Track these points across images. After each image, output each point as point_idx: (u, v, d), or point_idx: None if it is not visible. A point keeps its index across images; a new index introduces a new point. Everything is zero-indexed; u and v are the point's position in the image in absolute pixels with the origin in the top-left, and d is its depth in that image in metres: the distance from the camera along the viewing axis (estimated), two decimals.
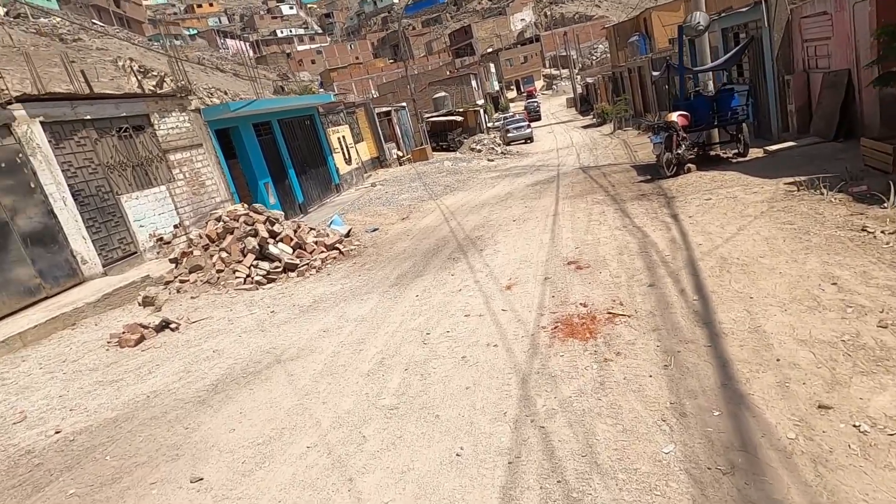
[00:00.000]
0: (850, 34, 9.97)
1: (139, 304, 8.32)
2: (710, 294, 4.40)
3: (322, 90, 52.26)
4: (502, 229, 8.82)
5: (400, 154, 26.70)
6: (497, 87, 61.10)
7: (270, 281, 8.51)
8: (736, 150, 11.51)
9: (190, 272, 8.68)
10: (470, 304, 5.50)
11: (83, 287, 9.15)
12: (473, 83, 44.75)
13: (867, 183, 6.30)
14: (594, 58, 62.86)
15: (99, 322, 7.86)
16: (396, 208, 13.88)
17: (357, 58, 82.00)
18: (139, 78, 19.87)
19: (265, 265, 8.66)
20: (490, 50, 75.42)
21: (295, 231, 9.64)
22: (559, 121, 41.74)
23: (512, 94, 69.54)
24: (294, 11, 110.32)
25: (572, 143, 25.25)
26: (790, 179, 7.48)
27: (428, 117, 32.04)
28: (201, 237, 9.22)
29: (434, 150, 28.93)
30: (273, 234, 9.28)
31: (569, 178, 13.50)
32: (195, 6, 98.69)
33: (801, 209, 5.99)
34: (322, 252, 9.36)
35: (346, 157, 21.75)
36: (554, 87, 69.14)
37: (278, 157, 16.59)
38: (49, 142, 9.30)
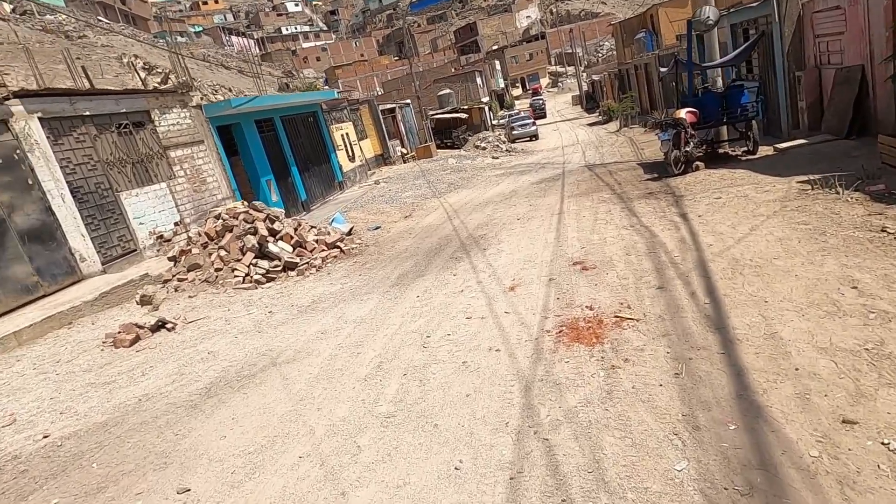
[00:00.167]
0: (865, 29, 9.71)
1: (137, 303, 8.20)
2: (723, 297, 4.21)
3: (327, 87, 52.12)
4: (506, 228, 8.63)
5: (404, 151, 26.52)
6: (502, 85, 60.79)
7: (270, 280, 8.36)
8: (745, 148, 11.26)
9: (188, 271, 8.55)
10: (472, 306, 5.32)
11: (81, 285, 9.04)
12: (478, 80, 44.50)
13: (885, 181, 6.08)
14: (600, 55, 62.43)
15: (96, 321, 7.74)
16: (399, 206, 13.71)
17: (362, 55, 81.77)
18: (141, 76, 19.78)
19: (264, 264, 8.51)
20: (495, 47, 75.02)
21: (295, 229, 9.48)
22: (564, 118, 41.42)
23: (517, 91, 69.16)
24: (299, 8, 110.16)
25: (578, 141, 24.98)
26: (803, 178, 7.25)
27: (432, 115, 31.84)
28: (200, 235, 9.09)
29: (438, 147, 28.74)
30: (273, 233, 9.13)
31: (574, 175, 13.28)
32: (200, 3, 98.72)
33: (816, 209, 5.77)
34: (323, 251, 9.21)
35: (350, 154, 21.60)
36: (559, 84, 68.73)
37: (281, 154, 16.44)
38: (47, 138, 9.18)
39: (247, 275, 8.31)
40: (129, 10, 62.67)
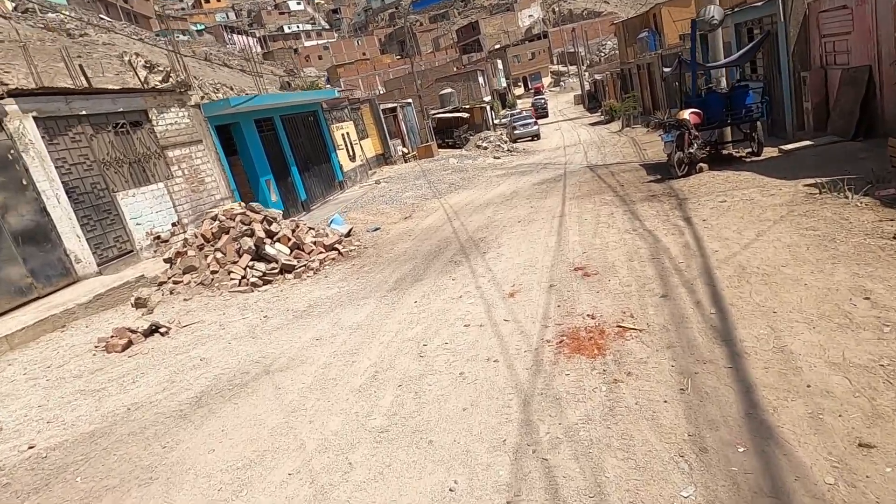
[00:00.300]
0: (872, 29, 9.55)
1: (132, 306, 8.08)
2: (729, 307, 4.06)
3: (329, 86, 51.99)
4: (506, 231, 8.49)
5: (405, 151, 26.38)
6: (504, 84, 60.59)
7: (266, 283, 8.24)
8: (749, 149, 11.11)
9: (184, 273, 8.43)
10: (470, 313, 5.19)
11: (76, 287, 8.93)
12: (480, 80, 44.33)
13: None
14: (602, 54, 62.20)
15: (90, 324, 7.62)
16: (399, 207, 13.58)
17: (364, 54, 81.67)
18: (139, 74, 19.65)
19: (261, 266, 8.38)
20: (497, 46, 74.81)
21: (293, 231, 9.36)
22: (566, 118, 41.24)
23: (519, 90, 68.96)
24: (301, 7, 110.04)
25: (580, 141, 24.82)
26: (810, 181, 7.09)
27: (434, 114, 31.69)
28: (196, 237, 8.96)
29: (440, 147, 28.60)
30: (270, 234, 9.00)
31: (576, 176, 13.13)
32: (203, 1, 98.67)
33: (824, 214, 5.62)
34: (320, 253, 9.08)
35: (351, 153, 21.47)
36: (561, 83, 68.52)
37: (280, 153, 16.32)
38: (42, 137, 9.07)
39: (243, 277, 8.19)
40: (131, 7, 62.61)
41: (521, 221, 8.97)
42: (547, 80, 71.21)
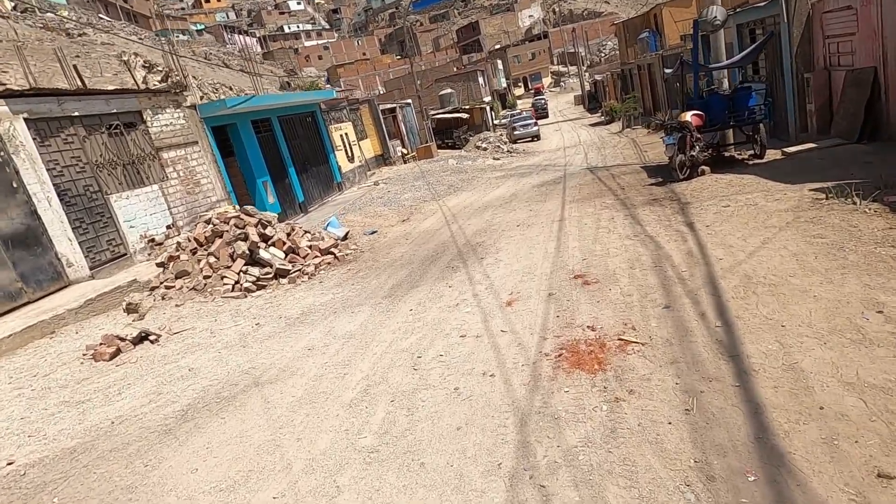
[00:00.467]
0: (878, 30, 9.39)
1: (124, 311, 7.93)
2: (735, 320, 3.90)
3: (328, 86, 51.84)
4: (505, 235, 8.33)
5: (404, 152, 26.22)
6: (504, 84, 60.43)
7: (260, 288, 8.08)
8: (752, 152, 10.95)
9: (176, 278, 8.27)
10: (467, 323, 5.03)
11: (67, 291, 8.77)
12: (480, 80, 44.17)
13: None
14: (603, 55, 62.05)
15: (80, 330, 7.47)
16: (397, 209, 13.42)
17: (364, 54, 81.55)
18: (141, 74, 19.47)
19: (255, 271, 8.22)
20: (498, 46, 74.65)
21: (288, 234, 9.20)
22: (567, 118, 41.08)
23: (519, 91, 68.80)
24: (301, 7, 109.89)
25: (580, 142, 24.66)
26: (816, 185, 6.93)
27: (433, 114, 31.52)
28: (189, 240, 8.80)
29: (439, 147, 28.44)
30: (265, 238, 8.84)
31: (576, 179, 12.97)
32: (203, 1, 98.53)
33: (831, 220, 5.46)
34: (316, 257, 8.92)
35: (349, 154, 21.31)
36: (562, 84, 68.35)
37: (278, 155, 16.16)
38: (33, 139, 8.91)
39: (236, 282, 8.03)
40: (130, 7, 62.48)
41: (520, 225, 8.82)
42: (547, 81, 71.05)
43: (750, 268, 4.77)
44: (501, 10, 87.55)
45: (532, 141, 30.15)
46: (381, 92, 46.94)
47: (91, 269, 9.40)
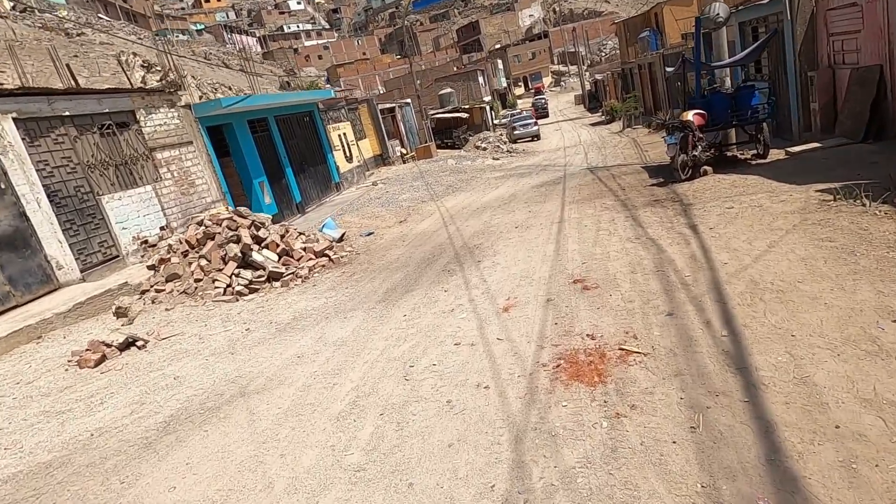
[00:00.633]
0: (883, 27, 9.20)
1: (114, 315, 7.75)
2: (742, 329, 3.71)
3: (328, 86, 51.67)
4: (503, 237, 8.14)
5: (404, 152, 26.03)
6: (504, 84, 60.23)
7: (252, 291, 7.89)
8: (755, 151, 10.76)
9: (167, 281, 8.09)
10: (462, 330, 4.84)
11: (56, 294, 8.59)
12: (480, 80, 43.98)
13: None
14: (603, 54, 61.85)
15: (68, 335, 7.29)
16: (395, 210, 13.24)
17: (364, 53, 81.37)
18: (137, 74, 19.33)
19: (248, 274, 8.04)
20: (498, 46, 74.46)
21: (282, 236, 9.02)
22: (567, 118, 40.88)
23: (520, 90, 68.61)
24: (301, 7, 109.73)
25: (580, 142, 24.47)
26: (822, 186, 6.73)
27: (433, 114, 31.33)
28: (181, 242, 8.62)
29: (439, 147, 28.25)
30: (258, 240, 8.66)
31: (576, 179, 12.78)
32: (203, 1, 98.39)
33: (840, 223, 5.26)
34: (310, 259, 8.74)
35: (347, 154, 21.12)
36: (562, 83, 68.15)
37: (275, 155, 15.97)
38: (23, 139, 8.72)
39: (228, 286, 7.85)
40: (130, 7, 62.30)
41: (519, 227, 8.63)
42: (547, 80, 70.84)
43: (756, 273, 4.58)
44: (501, 10, 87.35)
45: (532, 141, 29.97)
46: (381, 92, 46.77)
47: (82, 271, 9.21)
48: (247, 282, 7.91)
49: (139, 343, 6.32)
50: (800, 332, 3.52)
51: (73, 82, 12.59)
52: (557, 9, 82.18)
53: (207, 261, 8.13)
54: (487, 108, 37.48)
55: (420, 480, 2.91)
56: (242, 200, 14.17)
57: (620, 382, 3.40)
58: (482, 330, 4.71)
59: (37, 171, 8.81)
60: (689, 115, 9.83)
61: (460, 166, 20.91)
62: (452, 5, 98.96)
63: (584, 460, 2.77)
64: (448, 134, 30.97)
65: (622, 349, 3.80)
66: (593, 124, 32.66)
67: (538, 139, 29.98)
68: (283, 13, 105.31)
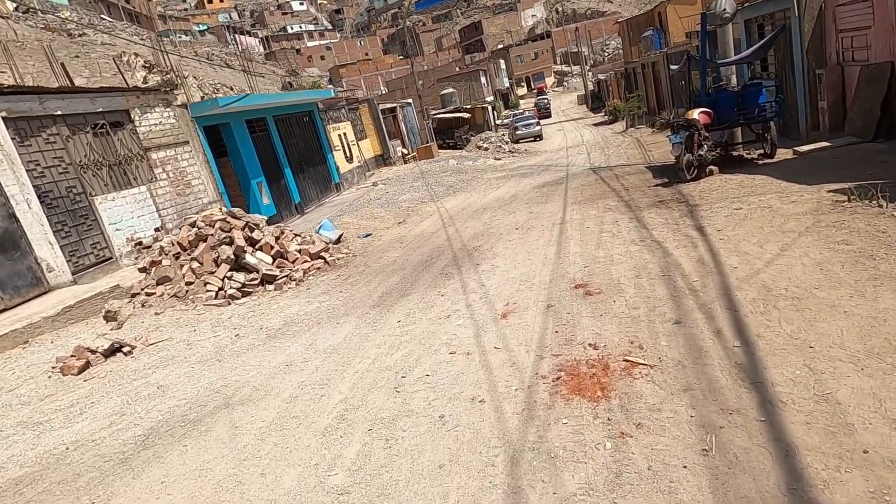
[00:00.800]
0: (895, 23, 8.94)
1: (104, 319, 7.55)
2: (756, 339, 3.47)
3: (331, 86, 51.52)
4: (503, 239, 7.90)
5: (405, 152, 25.82)
6: (507, 84, 59.99)
7: (245, 294, 7.68)
8: (762, 151, 10.51)
9: (157, 284, 7.88)
10: (457, 337, 4.61)
11: (46, 298, 8.39)
12: (483, 80, 43.75)
13: None
14: (606, 54, 61.52)
15: (56, 339, 7.09)
16: (394, 210, 13.01)
17: (367, 54, 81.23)
18: (125, 74, 19.16)
19: (240, 277, 7.83)
20: (500, 46, 74.23)
21: (277, 238, 8.80)
22: (570, 118, 40.61)
23: (522, 90, 68.37)
24: (304, 7, 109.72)
25: (583, 142, 24.21)
26: (835, 186, 6.48)
27: (434, 114, 31.11)
28: (173, 244, 8.42)
29: (440, 147, 28.03)
30: (252, 242, 8.45)
31: (578, 179, 12.53)
32: (206, 2, 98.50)
33: (857, 225, 5.00)
34: (305, 262, 8.51)
35: (348, 155, 20.92)
36: (565, 83, 67.87)
37: (273, 155, 15.77)
38: (12, 139, 8.54)
39: (220, 289, 7.63)
40: (132, 8, 62.31)
41: (519, 229, 8.38)
42: (550, 80, 70.56)
43: (769, 278, 4.33)
44: (504, 10, 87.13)
45: (534, 141, 29.74)
46: (384, 92, 46.60)
47: (73, 273, 9.02)
48: (239, 285, 7.69)
49: (125, 349, 6.10)
50: (818, 343, 3.28)
51: (67, 81, 12.42)
52: (560, 9, 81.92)
53: (199, 263, 7.92)
54: (489, 108, 37.26)
55: None
56: (240, 201, 13.97)
57: (625, 397, 3.15)
58: (479, 338, 4.47)
59: (27, 171, 8.62)
60: (695, 114, 9.58)
61: (461, 166, 20.68)
62: (455, 6, 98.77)
63: (585, 486, 2.53)
64: (450, 134, 30.77)
65: (627, 360, 3.56)
66: (596, 124, 32.39)
67: (540, 139, 29.74)
68: (285, 14, 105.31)
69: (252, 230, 8.66)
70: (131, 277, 8.92)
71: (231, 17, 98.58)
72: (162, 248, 8.57)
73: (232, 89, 32.15)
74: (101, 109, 10.31)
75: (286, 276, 7.97)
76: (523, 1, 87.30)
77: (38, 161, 8.90)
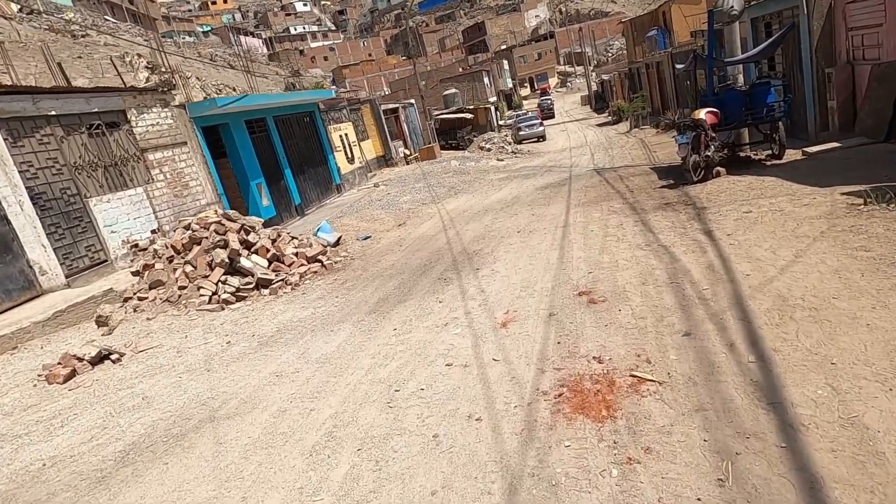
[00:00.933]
0: None
1: (96, 324, 7.38)
2: (772, 354, 3.24)
3: (333, 87, 51.40)
4: (504, 243, 7.68)
5: (407, 153, 25.63)
6: (510, 85, 59.75)
7: (240, 299, 7.48)
8: (769, 152, 10.25)
9: (150, 288, 7.70)
10: (455, 348, 4.39)
11: (38, 301, 8.22)
12: (486, 80, 43.53)
13: None
14: (610, 54, 61.23)
15: (46, 345, 6.92)
16: (395, 212, 12.81)
17: (370, 55, 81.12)
18: (122, 74, 19.05)
19: (235, 281, 7.63)
20: (504, 47, 74.01)
21: (273, 241, 8.61)
22: (573, 119, 40.34)
23: (525, 91, 68.11)
24: (308, 8, 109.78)
25: (586, 142, 23.96)
26: (847, 188, 6.23)
27: (437, 115, 30.92)
28: (166, 247, 8.23)
29: (443, 148, 27.83)
30: (248, 245, 8.25)
31: (582, 180, 12.30)
32: (209, 3, 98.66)
33: (875, 230, 4.76)
34: (302, 265, 8.32)
35: (349, 155, 20.73)
36: (568, 84, 67.58)
37: (273, 156, 15.60)
38: (4, 140, 8.38)
39: (214, 293, 7.44)
40: (136, 9, 62.37)
41: (521, 231, 8.16)
42: (553, 81, 70.27)
43: (784, 286, 4.10)
44: (507, 11, 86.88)
45: (537, 141, 29.52)
46: (387, 93, 46.46)
47: (67, 276, 8.85)
48: (234, 289, 7.50)
49: (114, 356, 5.92)
50: (840, 358, 3.04)
51: (64, 81, 12.28)
52: (563, 9, 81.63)
53: (193, 267, 7.73)
54: (492, 108, 37.05)
55: None
56: (239, 202, 13.80)
57: (632, 418, 2.93)
58: (477, 349, 4.25)
59: (19, 172, 8.46)
60: (702, 114, 9.33)
61: (463, 167, 20.47)
62: (458, 6, 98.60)
63: None
64: (452, 135, 30.57)
65: (634, 376, 3.33)
66: (600, 125, 32.12)
67: (544, 140, 29.51)
68: (289, 15, 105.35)
69: (248, 233, 8.47)
70: (126, 281, 8.74)
71: (234, 18, 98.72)
72: (155, 251, 8.39)
73: (235, 90, 32.08)
74: (96, 110, 10.15)
75: (282, 280, 7.78)
76: (527, 1, 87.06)
77: (31, 162, 8.74)
